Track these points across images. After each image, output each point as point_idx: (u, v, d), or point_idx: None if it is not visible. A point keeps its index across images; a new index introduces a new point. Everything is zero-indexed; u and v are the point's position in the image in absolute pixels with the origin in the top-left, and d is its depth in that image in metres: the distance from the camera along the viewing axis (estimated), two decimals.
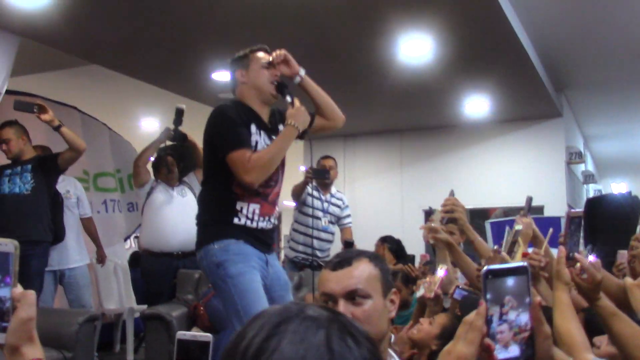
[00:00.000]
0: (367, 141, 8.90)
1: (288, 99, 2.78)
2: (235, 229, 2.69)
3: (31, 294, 1.00)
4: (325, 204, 5.20)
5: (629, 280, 1.60)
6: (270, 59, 2.79)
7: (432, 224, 2.83)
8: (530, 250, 2.44)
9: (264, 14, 4.57)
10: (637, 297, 1.50)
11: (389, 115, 7.98)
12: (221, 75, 5.79)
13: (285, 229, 8.01)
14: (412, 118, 8.07)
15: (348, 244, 4.76)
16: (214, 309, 4.29)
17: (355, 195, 8.33)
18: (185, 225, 4.59)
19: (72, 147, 4.33)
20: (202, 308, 4.43)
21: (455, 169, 8.21)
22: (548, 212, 7.10)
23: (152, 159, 5.12)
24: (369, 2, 4.44)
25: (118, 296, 6.01)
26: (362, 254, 1.66)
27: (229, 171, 2.65)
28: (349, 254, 1.66)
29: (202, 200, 2.89)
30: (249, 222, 2.72)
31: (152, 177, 5.07)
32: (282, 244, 8.93)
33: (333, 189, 5.32)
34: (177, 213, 4.81)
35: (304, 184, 5.08)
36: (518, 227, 2.49)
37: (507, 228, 2.83)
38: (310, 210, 5.12)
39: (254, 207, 2.73)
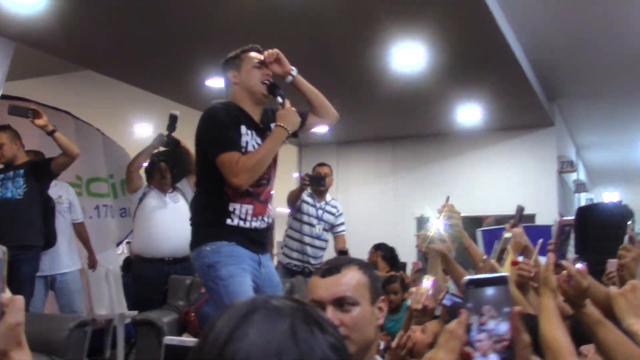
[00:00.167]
0: (361, 149, 8.93)
1: (279, 99, 2.80)
2: (228, 231, 2.71)
3: (19, 299, 1.01)
4: (320, 212, 5.20)
5: (613, 289, 1.62)
6: (263, 57, 2.81)
7: (427, 232, 2.83)
8: (520, 259, 2.45)
9: (257, 22, 4.59)
10: (621, 305, 1.51)
11: (382, 123, 8.01)
12: (215, 82, 5.81)
13: (279, 236, 8.02)
14: (405, 126, 8.10)
15: (342, 253, 4.77)
16: (205, 315, 4.29)
17: (349, 203, 8.34)
18: (177, 231, 4.60)
19: (66, 152, 4.33)
20: (193, 314, 4.43)
21: (448, 176, 8.23)
22: (539, 221, 7.13)
23: (145, 164, 5.12)
24: (362, 12, 4.47)
25: (109, 302, 5.99)
26: (352, 261, 1.67)
27: (220, 173, 2.67)
28: (338, 261, 1.67)
29: (195, 202, 2.92)
30: (241, 223, 2.73)
31: (145, 182, 5.07)
32: (275, 250, 8.92)
33: (328, 197, 5.33)
34: (170, 219, 4.81)
35: (300, 190, 5.10)
36: (507, 235, 2.51)
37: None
38: (305, 217, 5.14)
39: (247, 208, 2.74)
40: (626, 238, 2.63)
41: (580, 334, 1.74)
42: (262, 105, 2.88)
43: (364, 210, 8.53)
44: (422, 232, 2.91)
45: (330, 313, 1.54)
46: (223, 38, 4.85)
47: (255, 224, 2.78)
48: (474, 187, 8.02)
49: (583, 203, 10.29)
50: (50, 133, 4.27)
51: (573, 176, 9.56)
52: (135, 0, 4.36)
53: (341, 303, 1.56)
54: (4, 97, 4.82)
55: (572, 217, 1.98)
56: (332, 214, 5.29)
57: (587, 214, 5.63)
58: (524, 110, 7.21)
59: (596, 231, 4.52)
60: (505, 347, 0.91)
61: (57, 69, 6.36)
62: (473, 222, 7.25)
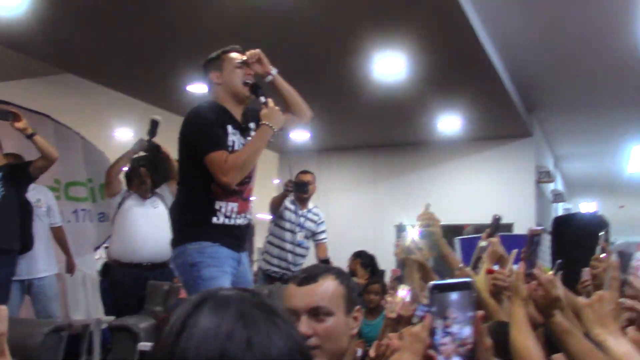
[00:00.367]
0: (341, 156, 8.96)
1: (262, 99, 2.83)
2: (212, 230, 2.74)
3: (3, 309, 1.02)
4: (302, 219, 5.21)
5: (581, 299, 1.65)
6: (245, 58, 2.84)
7: (404, 242, 2.85)
8: (496, 267, 2.48)
9: (239, 29, 4.61)
10: (588, 316, 1.54)
11: (363, 132, 8.06)
12: (196, 88, 5.80)
13: (259, 242, 8.00)
14: (386, 134, 8.16)
15: (324, 262, 4.79)
16: None
17: (329, 210, 8.31)
18: (156, 237, 4.58)
19: (45, 155, 4.30)
20: None
21: (427, 185, 8.29)
22: (517, 230, 7.20)
23: (125, 169, 5.10)
24: (344, 21, 4.51)
25: (85, 307, 5.93)
26: (329, 270, 1.68)
27: (207, 171, 2.69)
28: (315, 270, 1.67)
29: (178, 201, 2.92)
30: (227, 221, 2.77)
31: (125, 187, 5.05)
32: (255, 256, 8.89)
33: (310, 204, 5.34)
34: (149, 224, 4.79)
35: (283, 196, 5.11)
36: (483, 244, 2.54)
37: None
38: (287, 224, 5.14)
39: (232, 206, 2.78)
40: (598, 249, 2.68)
41: (554, 343, 1.76)
42: (244, 105, 2.92)
43: (344, 218, 8.55)
44: (400, 240, 2.94)
45: (304, 322, 1.55)
46: (205, 44, 4.82)
47: (239, 221, 2.83)
48: (453, 195, 8.09)
49: (561, 213, 10.41)
50: (30, 136, 4.23)
51: (551, 186, 9.67)
52: (116, 5, 4.35)
53: (316, 313, 1.57)
54: None
55: (541, 227, 2.02)
56: (314, 222, 5.29)
57: (564, 224, 5.72)
58: (503, 120, 7.30)
59: (572, 241, 4.60)
60: (469, 351, 0.94)
61: (37, 71, 6.31)
62: (452, 231, 7.28)
